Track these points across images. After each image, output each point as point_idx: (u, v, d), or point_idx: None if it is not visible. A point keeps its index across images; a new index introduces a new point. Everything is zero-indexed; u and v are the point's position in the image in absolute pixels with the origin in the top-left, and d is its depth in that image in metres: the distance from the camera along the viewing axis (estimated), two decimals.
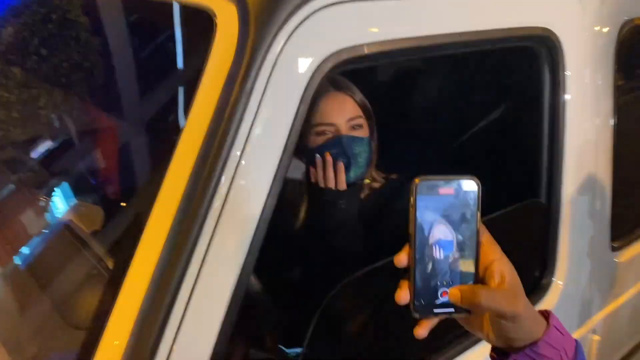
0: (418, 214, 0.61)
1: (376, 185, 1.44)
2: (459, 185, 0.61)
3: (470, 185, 0.62)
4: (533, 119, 1.30)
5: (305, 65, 0.81)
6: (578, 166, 1.34)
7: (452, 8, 1.03)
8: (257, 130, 0.77)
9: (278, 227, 1.39)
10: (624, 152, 1.47)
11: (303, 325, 1.00)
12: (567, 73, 1.25)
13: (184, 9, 0.90)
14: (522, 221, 1.31)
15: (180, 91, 0.93)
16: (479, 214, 0.62)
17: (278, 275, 1.39)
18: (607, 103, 1.37)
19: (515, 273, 0.63)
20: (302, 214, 1.37)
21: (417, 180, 0.61)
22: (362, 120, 1.32)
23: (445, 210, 0.61)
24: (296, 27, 0.79)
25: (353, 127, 1.31)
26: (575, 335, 1.46)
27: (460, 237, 0.62)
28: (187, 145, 0.77)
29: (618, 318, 1.60)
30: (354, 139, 1.29)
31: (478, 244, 0.62)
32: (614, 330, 1.58)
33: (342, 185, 1.26)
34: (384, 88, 1.74)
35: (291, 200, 1.37)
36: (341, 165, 1.25)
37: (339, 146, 1.28)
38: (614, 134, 1.41)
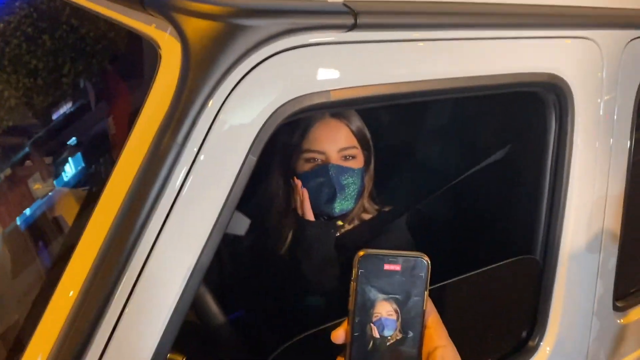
0: (359, 289, 0.57)
1: (367, 216, 1.36)
2: (407, 262, 0.58)
3: (418, 263, 0.58)
4: (535, 166, 1.19)
5: (254, 114, 0.72)
6: (582, 222, 1.22)
7: (448, 51, 0.93)
8: (189, 186, 0.69)
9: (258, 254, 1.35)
10: (635, 208, 1.34)
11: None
12: (577, 123, 1.13)
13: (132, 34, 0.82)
14: (514, 278, 1.21)
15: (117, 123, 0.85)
16: (426, 294, 0.58)
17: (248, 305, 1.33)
18: (621, 159, 1.24)
19: None
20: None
21: (361, 253, 0.58)
22: (356, 151, 1.24)
23: (390, 287, 0.58)
24: (245, 74, 0.70)
25: (345, 158, 1.23)
26: None
27: (404, 317, 0.58)
28: (110, 197, 0.69)
29: None
30: (343, 169, 1.22)
31: (423, 327, 0.58)
32: None
33: (308, 215, 1.20)
34: (385, 117, 1.64)
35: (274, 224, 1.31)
36: (304, 193, 1.18)
37: (325, 175, 1.21)
38: (626, 191, 1.28)
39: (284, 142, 1.25)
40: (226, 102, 0.71)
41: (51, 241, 1.00)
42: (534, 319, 1.23)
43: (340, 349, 0.60)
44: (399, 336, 0.58)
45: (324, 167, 1.20)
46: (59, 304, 0.70)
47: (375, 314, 0.58)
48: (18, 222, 1.18)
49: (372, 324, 0.58)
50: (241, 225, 1.09)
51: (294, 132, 1.25)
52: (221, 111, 0.70)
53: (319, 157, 1.22)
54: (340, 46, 0.79)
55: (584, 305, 1.29)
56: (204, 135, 0.69)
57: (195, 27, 0.69)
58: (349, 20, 0.75)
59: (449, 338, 0.61)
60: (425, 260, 0.58)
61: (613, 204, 1.26)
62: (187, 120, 0.67)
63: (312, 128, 1.22)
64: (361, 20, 0.75)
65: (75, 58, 1.06)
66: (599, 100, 1.16)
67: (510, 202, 1.27)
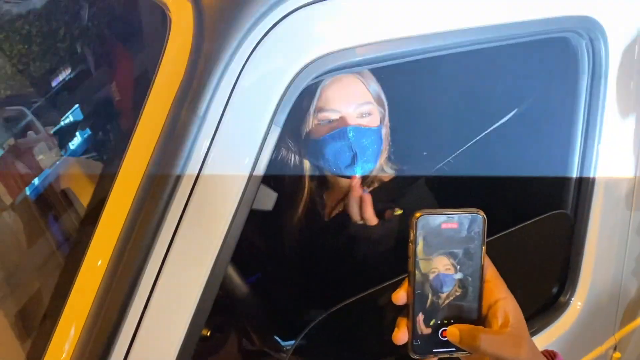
0: (418, 250, 0.58)
1: (386, 178, 1.30)
2: (463, 219, 0.58)
3: (474, 219, 0.58)
4: (565, 116, 1.12)
5: (276, 78, 0.66)
6: (614, 173, 1.17)
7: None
8: (212, 160, 0.64)
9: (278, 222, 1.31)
10: None
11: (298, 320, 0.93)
12: (611, 69, 1.06)
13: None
14: (545, 235, 1.16)
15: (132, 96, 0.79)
16: (484, 249, 0.59)
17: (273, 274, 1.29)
18: None
19: (520, 314, 0.59)
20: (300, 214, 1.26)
21: (417, 215, 0.58)
22: (372, 107, 1.16)
23: (448, 246, 0.58)
24: (264, 35, 0.63)
25: (362, 115, 1.15)
26: (594, 353, 1.33)
27: (463, 273, 0.59)
28: (129, 176, 0.64)
29: None
30: (362, 130, 1.14)
31: (482, 281, 0.59)
32: (637, 347, 1.45)
33: (372, 221, 1.13)
34: (403, 72, 1.55)
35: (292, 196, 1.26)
36: (367, 198, 1.11)
37: (345, 138, 1.13)
38: None
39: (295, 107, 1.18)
40: (245, 67, 0.64)
41: (66, 215, 0.96)
42: (565, 275, 1.20)
43: (400, 309, 0.60)
44: (459, 292, 0.59)
45: (343, 131, 1.12)
46: (88, 274, 0.66)
47: (433, 270, 0.58)
48: (31, 193, 1.14)
49: (432, 283, 0.58)
50: (268, 199, 1.04)
51: (305, 94, 1.17)
52: (240, 77, 0.64)
53: (335, 116, 1.15)
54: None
55: (616, 260, 1.26)
56: (224, 105, 0.63)
57: None
58: None
59: (508, 290, 0.61)
60: (481, 215, 0.58)
61: None
62: (207, 90, 0.61)
63: (324, 86, 1.13)
64: None
65: (77, 24, 0.98)
66: (634, 42, 1.09)
67: (539, 155, 1.21)
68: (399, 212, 1.14)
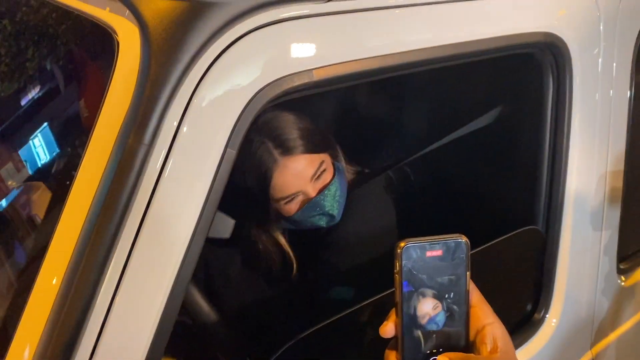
0: (405, 281, 0.57)
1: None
2: (447, 246, 0.57)
3: (458, 245, 0.58)
4: (532, 130, 1.12)
5: (229, 104, 0.64)
6: (584, 185, 1.16)
7: (436, 16, 0.84)
8: (163, 190, 0.61)
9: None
10: (637, 167, 1.29)
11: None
12: (575, 84, 1.06)
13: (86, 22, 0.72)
14: (517, 251, 1.16)
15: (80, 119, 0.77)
16: (468, 274, 0.58)
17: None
18: (620, 118, 1.18)
19: (508, 339, 0.59)
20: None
21: (402, 244, 0.57)
22: (322, 165, 1.17)
23: (433, 273, 0.57)
24: (215, 59, 0.61)
25: (317, 179, 1.16)
26: None
27: (449, 300, 0.58)
28: (76, 205, 0.61)
29: (622, 346, 1.45)
30: (326, 193, 1.16)
31: (468, 307, 0.59)
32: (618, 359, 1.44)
33: None
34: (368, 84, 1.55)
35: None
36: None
37: (316, 209, 1.16)
38: (627, 150, 1.23)
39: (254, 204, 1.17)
40: (196, 92, 0.62)
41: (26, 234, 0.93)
42: (538, 291, 1.19)
43: (385, 342, 0.60)
44: (446, 319, 0.58)
45: (311, 204, 1.15)
46: (42, 292, 0.63)
47: (422, 302, 0.57)
48: None
49: (419, 312, 0.57)
50: (225, 227, 1.02)
51: (259, 189, 1.16)
52: (191, 103, 0.62)
53: (295, 197, 1.15)
54: (318, 19, 0.70)
55: (589, 272, 1.25)
56: (173, 131, 0.61)
57: (154, 8, 0.60)
58: None
59: (494, 314, 0.60)
60: (465, 240, 0.58)
61: (615, 164, 1.21)
62: (154, 117, 0.58)
63: (274, 178, 1.13)
64: None
65: (38, 44, 0.96)
66: (597, 56, 1.09)
67: (507, 169, 1.20)
68: None
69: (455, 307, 0.58)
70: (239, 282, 1.25)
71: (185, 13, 0.59)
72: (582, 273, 1.24)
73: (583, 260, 1.23)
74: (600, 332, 1.36)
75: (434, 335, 0.58)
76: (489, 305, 0.61)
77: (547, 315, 1.18)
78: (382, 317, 0.60)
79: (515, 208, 1.18)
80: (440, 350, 0.58)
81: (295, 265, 1.25)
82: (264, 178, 1.12)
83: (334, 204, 1.16)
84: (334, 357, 0.95)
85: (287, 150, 1.12)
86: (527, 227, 1.14)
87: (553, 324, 1.18)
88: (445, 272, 0.58)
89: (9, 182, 1.10)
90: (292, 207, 1.16)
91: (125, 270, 0.62)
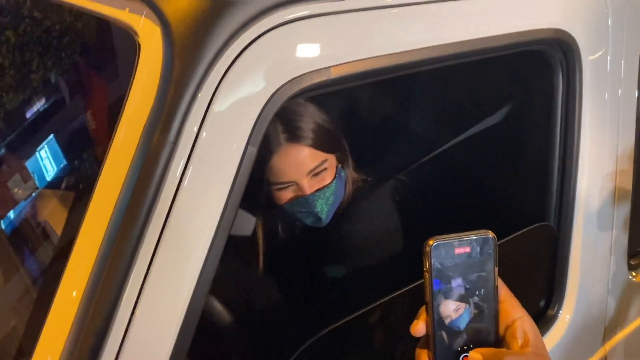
0: (434, 279, 0.57)
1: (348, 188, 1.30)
2: (475, 242, 0.57)
3: (486, 241, 0.58)
4: (542, 128, 1.13)
5: (250, 101, 0.65)
6: (595, 182, 1.17)
7: (451, 13, 0.85)
8: (186, 187, 0.62)
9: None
10: None
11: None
12: (585, 80, 1.07)
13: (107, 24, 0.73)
14: (529, 247, 1.16)
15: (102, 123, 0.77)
16: (496, 270, 0.58)
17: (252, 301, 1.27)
18: (629, 115, 1.18)
19: (538, 332, 0.59)
20: None
21: (431, 242, 0.57)
22: (324, 164, 1.16)
23: (462, 270, 0.57)
24: (237, 57, 0.62)
25: (315, 176, 1.15)
26: None
27: (478, 296, 0.58)
28: (100, 206, 0.61)
29: (635, 342, 1.45)
30: (319, 195, 1.15)
31: (497, 302, 0.58)
32: (629, 355, 1.44)
33: None
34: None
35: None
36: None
37: (305, 206, 1.15)
38: (637, 146, 1.23)
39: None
40: (218, 89, 0.63)
41: (39, 246, 0.93)
42: (551, 287, 1.19)
43: (415, 341, 0.60)
44: (476, 316, 0.58)
45: (302, 200, 1.14)
46: (63, 305, 0.63)
47: (452, 300, 0.57)
48: (6, 227, 1.11)
49: (450, 310, 0.57)
50: (247, 225, 1.02)
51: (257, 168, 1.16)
52: (214, 100, 0.63)
53: (291, 186, 1.15)
54: (336, 17, 0.71)
55: (600, 269, 1.25)
56: (197, 129, 0.61)
57: (176, 7, 0.60)
58: None
59: (523, 309, 0.60)
60: (492, 236, 0.58)
61: (624, 161, 1.21)
62: (178, 115, 0.59)
63: (273, 160, 1.12)
64: None
65: (44, 54, 0.96)
66: (605, 53, 1.10)
67: (518, 167, 1.21)
68: None
69: (484, 303, 0.58)
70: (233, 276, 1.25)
71: (207, 11, 0.60)
72: (593, 269, 1.24)
73: (594, 257, 1.23)
74: (613, 328, 1.36)
75: (464, 332, 0.58)
76: (517, 300, 0.61)
77: (560, 312, 1.18)
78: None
79: (527, 205, 1.18)
80: (471, 346, 0.58)
81: (261, 259, 1.23)
82: (264, 157, 1.10)
83: (324, 207, 1.15)
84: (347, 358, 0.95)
85: (294, 137, 1.11)
86: (539, 224, 1.14)
87: (567, 320, 1.18)
88: (474, 268, 0.58)
89: (29, 189, 1.10)
90: (283, 196, 1.15)
91: (150, 269, 0.63)
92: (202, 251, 0.65)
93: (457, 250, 0.57)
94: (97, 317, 0.61)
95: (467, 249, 0.57)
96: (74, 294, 0.62)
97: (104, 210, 0.61)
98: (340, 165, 1.21)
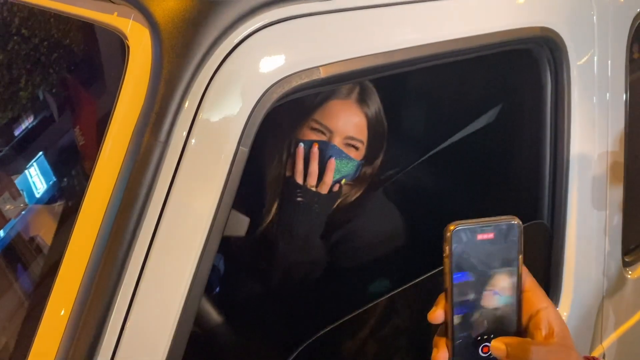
0: (454, 265, 0.54)
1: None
2: (499, 228, 0.55)
3: (510, 227, 0.55)
4: (533, 127, 1.13)
5: (241, 100, 0.65)
6: (586, 180, 1.17)
7: (437, 12, 0.86)
8: (178, 187, 0.62)
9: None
10: (636, 160, 1.31)
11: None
12: (573, 77, 1.08)
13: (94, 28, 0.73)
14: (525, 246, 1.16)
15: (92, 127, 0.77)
16: (521, 258, 0.56)
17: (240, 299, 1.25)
18: (618, 111, 1.19)
19: (564, 323, 0.57)
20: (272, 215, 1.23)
21: (452, 227, 0.54)
22: (360, 144, 1.18)
23: (484, 257, 0.55)
24: (225, 57, 0.62)
25: (347, 145, 1.17)
26: None
27: (501, 284, 0.55)
28: (91, 209, 0.61)
29: (631, 339, 1.45)
30: (343, 155, 1.15)
31: (520, 291, 0.56)
32: (626, 352, 1.44)
33: (325, 188, 1.13)
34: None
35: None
36: (332, 163, 1.12)
37: (324, 152, 1.14)
38: (626, 144, 1.24)
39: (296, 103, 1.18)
40: (208, 89, 0.63)
41: (31, 262, 0.92)
42: (547, 285, 1.19)
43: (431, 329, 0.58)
44: (498, 304, 0.56)
45: (324, 144, 1.14)
46: (51, 324, 0.62)
47: (472, 287, 0.55)
48: None
49: (470, 297, 0.55)
50: (241, 225, 1.01)
51: (308, 98, 1.17)
52: (204, 101, 0.63)
53: (325, 131, 1.16)
54: (324, 16, 0.71)
55: (595, 266, 1.25)
56: (187, 129, 0.61)
57: (164, 8, 0.61)
58: None
59: (548, 299, 0.58)
60: (517, 222, 0.56)
61: (615, 158, 1.22)
62: (168, 115, 0.59)
63: (330, 101, 1.15)
64: None
65: (33, 62, 0.96)
66: (592, 51, 1.11)
67: (510, 166, 1.21)
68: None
69: (507, 292, 0.56)
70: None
71: (195, 12, 0.60)
72: (588, 267, 1.24)
73: (589, 255, 1.24)
74: (609, 325, 1.36)
75: (485, 321, 0.56)
76: (542, 290, 0.59)
77: (557, 309, 1.18)
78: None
79: (520, 204, 1.19)
80: (492, 336, 0.56)
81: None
82: (324, 96, 1.13)
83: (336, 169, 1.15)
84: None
85: (364, 104, 1.16)
86: (533, 222, 1.14)
87: (563, 318, 1.18)
88: (497, 256, 0.55)
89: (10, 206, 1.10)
90: (311, 134, 1.14)
91: (143, 271, 0.62)
92: (195, 252, 0.65)
93: (479, 237, 0.55)
94: (87, 329, 0.60)
95: (491, 235, 0.55)
96: (62, 312, 0.61)
97: (96, 212, 0.61)
98: (364, 161, 1.22)
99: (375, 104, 1.19)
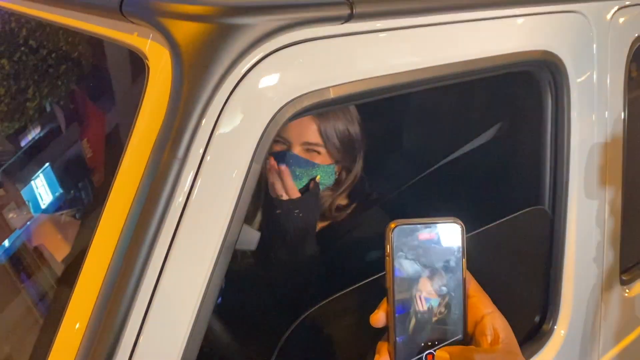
0: (396, 264, 0.53)
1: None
2: (441, 229, 0.54)
3: (453, 229, 0.54)
4: (533, 148, 1.16)
5: (255, 119, 0.67)
6: (585, 201, 1.20)
7: (444, 36, 0.89)
8: (194, 202, 0.64)
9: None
10: (634, 179, 1.33)
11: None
12: (572, 99, 1.11)
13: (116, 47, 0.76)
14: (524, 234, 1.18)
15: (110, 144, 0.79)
16: (464, 261, 0.55)
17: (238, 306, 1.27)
18: (617, 128, 1.22)
19: (509, 328, 0.56)
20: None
21: (392, 225, 0.53)
22: (321, 149, 1.21)
23: (426, 258, 0.53)
24: (242, 78, 0.65)
25: (308, 150, 1.21)
26: None
27: (444, 288, 0.54)
28: (110, 222, 0.63)
29: (629, 357, 1.47)
30: (302, 161, 1.19)
31: (465, 296, 0.55)
32: None
33: (293, 192, 1.16)
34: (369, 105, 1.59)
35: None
36: (284, 169, 1.15)
37: (282, 161, 1.18)
38: (624, 163, 1.27)
39: None
40: (224, 108, 0.65)
41: (46, 275, 0.94)
42: (545, 302, 1.21)
43: (378, 332, 0.56)
44: (442, 310, 0.54)
45: (282, 154, 1.19)
46: (66, 338, 0.64)
47: (415, 289, 0.53)
48: (1, 255, 1.11)
49: (413, 300, 0.53)
50: (251, 239, 1.03)
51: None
52: (220, 119, 0.65)
53: (284, 142, 1.20)
54: (337, 40, 0.74)
55: (593, 282, 1.28)
56: (204, 146, 0.64)
57: (184, 30, 0.63)
58: (345, 11, 0.70)
59: (493, 304, 0.57)
60: (459, 224, 0.54)
61: (613, 177, 1.25)
62: (187, 132, 0.61)
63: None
64: (358, 10, 0.71)
65: (41, 82, 0.98)
66: (591, 74, 1.14)
67: (509, 189, 1.24)
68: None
69: (451, 295, 0.54)
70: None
71: (214, 35, 0.63)
72: (587, 285, 1.26)
73: (587, 273, 1.26)
74: (607, 343, 1.38)
75: (429, 326, 0.54)
76: (487, 295, 0.57)
77: (555, 326, 1.20)
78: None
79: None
80: (436, 343, 0.54)
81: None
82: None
83: (297, 176, 1.18)
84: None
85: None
86: (533, 214, 1.15)
87: (562, 335, 1.20)
88: (439, 257, 0.54)
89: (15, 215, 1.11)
90: (274, 147, 1.18)
91: (157, 286, 0.64)
92: (208, 266, 0.67)
93: (420, 236, 0.53)
94: (102, 343, 0.61)
95: (432, 236, 0.54)
96: (77, 326, 0.63)
97: (114, 226, 0.63)
98: (338, 173, 1.24)
99: (331, 115, 1.21)
